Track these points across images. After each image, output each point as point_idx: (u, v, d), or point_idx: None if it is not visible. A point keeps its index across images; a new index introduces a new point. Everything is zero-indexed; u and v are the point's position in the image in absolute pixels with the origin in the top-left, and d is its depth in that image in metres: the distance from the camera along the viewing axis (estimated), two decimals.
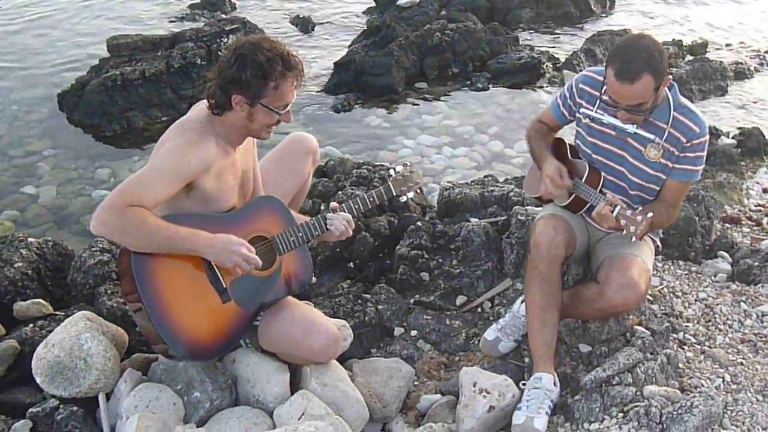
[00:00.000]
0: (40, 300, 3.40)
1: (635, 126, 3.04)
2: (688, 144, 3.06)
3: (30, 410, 2.84)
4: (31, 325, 3.24)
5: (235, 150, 2.95)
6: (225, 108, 2.81)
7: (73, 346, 2.82)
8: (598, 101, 3.16)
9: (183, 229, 2.69)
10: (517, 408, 2.96)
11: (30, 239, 3.83)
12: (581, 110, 3.23)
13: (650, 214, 2.92)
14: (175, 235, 2.66)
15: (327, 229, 3.04)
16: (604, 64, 2.97)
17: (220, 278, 2.80)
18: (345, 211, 3.11)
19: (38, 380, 2.84)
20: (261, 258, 2.83)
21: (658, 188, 3.19)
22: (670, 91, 3.07)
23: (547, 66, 7.95)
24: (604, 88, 3.02)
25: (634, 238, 2.94)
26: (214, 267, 2.79)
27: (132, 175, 2.73)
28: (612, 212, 2.97)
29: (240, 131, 2.89)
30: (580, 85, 3.26)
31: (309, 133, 3.60)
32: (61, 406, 2.84)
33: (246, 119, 2.82)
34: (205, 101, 2.88)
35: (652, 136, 3.05)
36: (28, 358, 2.92)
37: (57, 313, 3.37)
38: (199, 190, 2.79)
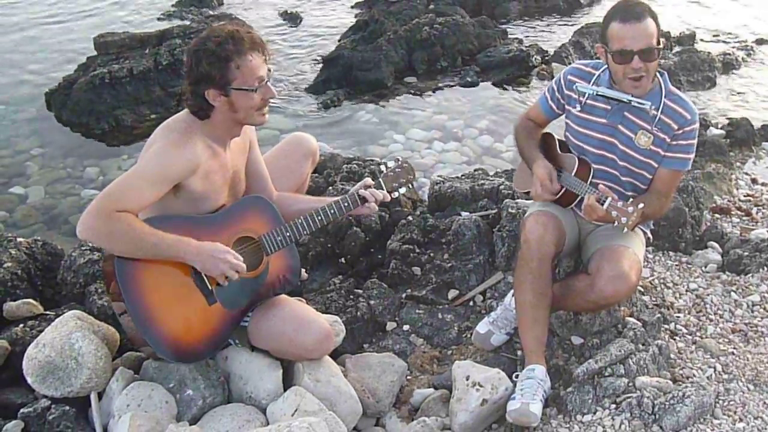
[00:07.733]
0: (31, 300, 3.38)
1: (630, 95, 3.04)
2: (680, 131, 3.07)
3: (21, 410, 2.82)
4: (21, 325, 3.21)
5: (226, 150, 2.93)
6: (208, 109, 2.79)
7: (64, 345, 2.80)
8: (593, 81, 3.18)
9: (170, 236, 2.67)
10: (512, 398, 2.96)
11: (19, 239, 3.80)
12: (576, 86, 3.21)
13: (641, 205, 2.91)
14: (161, 242, 2.64)
15: (360, 202, 3.09)
16: (603, 25, 3.05)
17: (206, 281, 2.79)
18: (347, 201, 3.11)
19: (29, 380, 2.83)
20: (248, 258, 2.83)
21: (649, 175, 3.19)
22: (661, 77, 3.09)
23: (535, 59, 7.94)
24: (609, 46, 3.02)
25: (626, 229, 2.93)
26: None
27: (118, 179, 2.71)
28: (602, 205, 2.97)
29: (231, 125, 2.87)
30: (569, 77, 3.26)
31: (301, 130, 3.57)
32: (52, 406, 2.82)
33: (229, 111, 2.80)
34: None
35: (648, 103, 3.04)
36: (19, 358, 2.91)
37: (47, 312, 3.35)
38: (187, 191, 2.78)
